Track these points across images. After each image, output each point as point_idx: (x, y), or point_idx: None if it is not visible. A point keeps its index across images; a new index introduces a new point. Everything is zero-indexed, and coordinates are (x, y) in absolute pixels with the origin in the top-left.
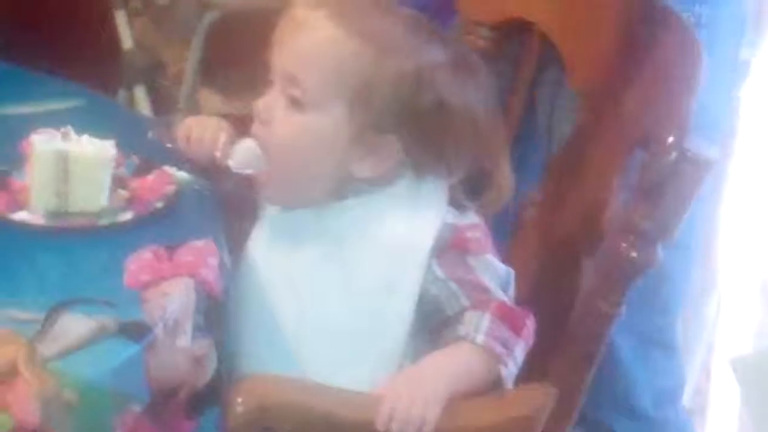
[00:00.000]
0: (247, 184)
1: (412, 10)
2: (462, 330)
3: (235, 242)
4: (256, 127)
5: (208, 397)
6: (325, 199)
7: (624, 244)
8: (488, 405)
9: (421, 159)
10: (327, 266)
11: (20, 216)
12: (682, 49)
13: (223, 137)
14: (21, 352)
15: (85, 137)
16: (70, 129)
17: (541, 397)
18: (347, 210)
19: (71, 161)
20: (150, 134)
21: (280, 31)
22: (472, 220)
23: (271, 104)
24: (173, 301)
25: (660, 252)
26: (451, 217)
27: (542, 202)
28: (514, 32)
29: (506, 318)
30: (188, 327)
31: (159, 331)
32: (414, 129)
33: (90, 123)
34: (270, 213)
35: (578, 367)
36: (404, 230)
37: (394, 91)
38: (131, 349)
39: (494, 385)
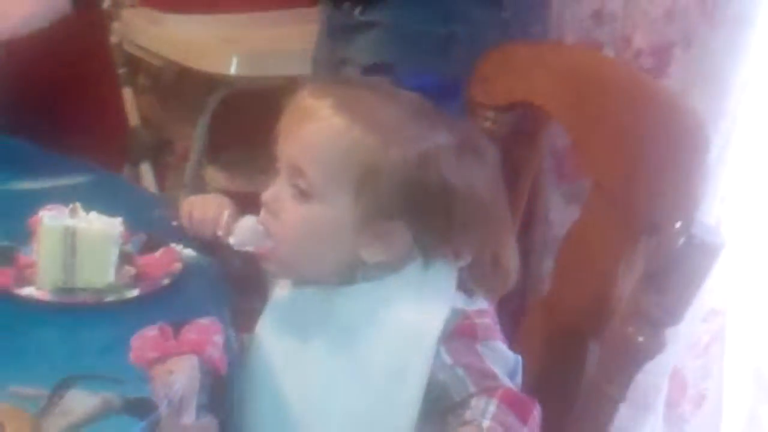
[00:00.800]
0: (255, 262)
1: (415, 93)
2: (468, 415)
3: (242, 321)
4: (264, 217)
5: None
6: (335, 283)
7: (631, 329)
8: None
9: (429, 243)
10: (335, 351)
11: (27, 291)
12: (687, 136)
13: (225, 215)
14: (26, 428)
15: (93, 214)
16: (78, 205)
17: None
18: (356, 295)
19: (79, 237)
20: (156, 212)
21: (286, 120)
22: (480, 305)
23: (278, 195)
24: (179, 378)
25: (667, 336)
26: (460, 302)
27: (549, 286)
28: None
29: (513, 405)
30: (193, 405)
31: (164, 408)
32: (420, 214)
33: (97, 199)
34: (278, 295)
35: None
36: (413, 316)
37: (398, 177)
38: (136, 427)
39: None
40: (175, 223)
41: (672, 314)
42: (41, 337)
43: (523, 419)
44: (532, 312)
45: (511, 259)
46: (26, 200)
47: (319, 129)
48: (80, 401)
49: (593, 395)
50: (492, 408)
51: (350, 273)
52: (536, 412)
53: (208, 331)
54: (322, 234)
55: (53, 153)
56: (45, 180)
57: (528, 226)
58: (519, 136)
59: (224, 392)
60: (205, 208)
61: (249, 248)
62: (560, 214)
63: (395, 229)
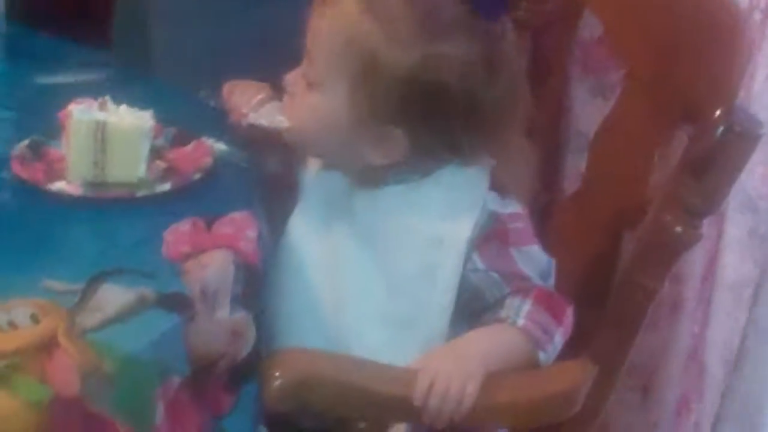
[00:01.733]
0: (290, 166)
1: None
2: (503, 313)
3: (276, 226)
4: (285, 98)
5: (248, 370)
6: (361, 184)
7: (668, 218)
8: (527, 381)
9: (429, 151)
10: (363, 253)
11: (57, 186)
12: (728, 22)
13: (258, 97)
14: (60, 323)
15: (123, 107)
16: (108, 99)
17: (580, 373)
18: (380, 197)
19: (109, 131)
20: (201, 93)
21: (317, 5)
22: (514, 208)
23: (296, 78)
24: (212, 272)
25: (704, 226)
26: (493, 204)
27: (584, 175)
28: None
29: (547, 304)
30: (227, 299)
31: (198, 303)
32: (417, 122)
33: (128, 93)
34: (308, 195)
35: (619, 343)
36: (442, 219)
37: (396, 78)
38: (170, 321)
39: (531, 366)
40: (213, 104)
41: (710, 203)
42: (73, 232)
43: (557, 318)
44: (562, 208)
45: (522, 167)
46: (56, 94)
47: (332, 16)
48: (114, 296)
49: (627, 288)
50: (526, 307)
51: (376, 174)
52: (569, 312)
53: (242, 225)
54: (322, 125)
55: (83, 47)
56: (74, 74)
57: (555, 119)
58: (551, 27)
59: (258, 287)
60: (244, 89)
61: (263, 123)
62: (585, 108)
63: (391, 134)
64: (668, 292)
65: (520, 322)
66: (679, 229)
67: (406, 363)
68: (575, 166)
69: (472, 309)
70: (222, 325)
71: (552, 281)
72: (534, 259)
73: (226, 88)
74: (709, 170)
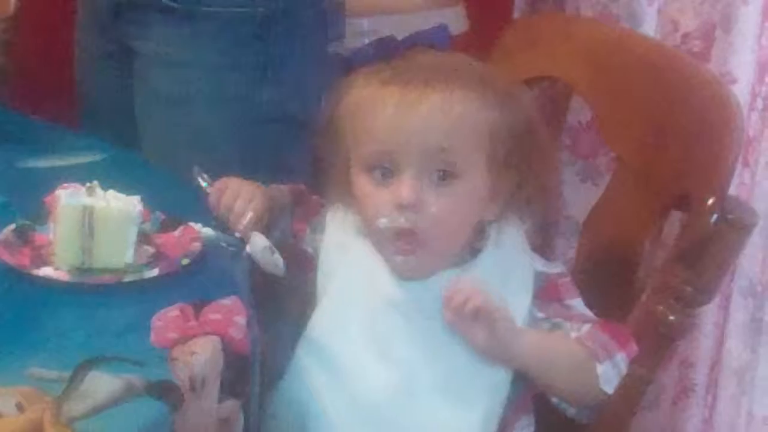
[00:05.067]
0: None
1: None
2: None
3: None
4: None
5: None
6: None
7: (661, 308)
8: None
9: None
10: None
11: (44, 271)
12: (719, 108)
13: (248, 217)
14: (47, 411)
15: (111, 192)
16: (96, 184)
17: None
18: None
19: (97, 217)
20: (195, 169)
21: None
22: (559, 268)
23: None
24: (201, 360)
25: (698, 315)
26: (540, 265)
27: (575, 260)
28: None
29: (609, 330)
30: (216, 387)
31: (186, 391)
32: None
33: (115, 178)
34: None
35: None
36: (500, 299)
37: None
38: (158, 410)
39: (591, 386)
40: (208, 192)
41: (704, 293)
42: (60, 319)
43: (619, 342)
44: None
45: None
46: (43, 178)
47: None
48: (101, 384)
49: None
50: (586, 328)
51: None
52: (633, 343)
53: (230, 312)
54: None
55: (70, 130)
56: (62, 158)
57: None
58: (540, 112)
59: (248, 374)
60: (236, 194)
61: (260, 262)
62: (574, 193)
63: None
64: (678, 377)
65: (574, 334)
66: (672, 318)
67: None
68: (565, 251)
69: None
70: (210, 413)
71: None
72: (585, 309)
73: (219, 184)
74: (702, 259)
